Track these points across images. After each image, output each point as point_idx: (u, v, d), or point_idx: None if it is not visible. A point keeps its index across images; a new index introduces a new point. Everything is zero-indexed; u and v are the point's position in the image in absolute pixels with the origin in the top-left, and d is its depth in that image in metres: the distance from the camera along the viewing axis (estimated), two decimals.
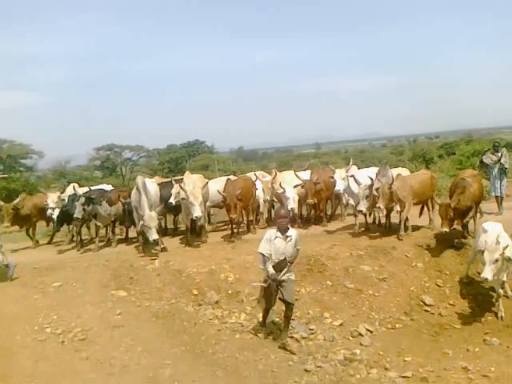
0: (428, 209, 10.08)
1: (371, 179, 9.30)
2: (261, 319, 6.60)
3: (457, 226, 8.79)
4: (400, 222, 9.30)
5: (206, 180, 10.44)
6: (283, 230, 6.04)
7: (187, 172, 10.49)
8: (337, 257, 8.44)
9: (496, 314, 6.83)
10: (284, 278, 6.03)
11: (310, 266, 8.11)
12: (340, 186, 10.21)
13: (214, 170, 24.01)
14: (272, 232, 6.08)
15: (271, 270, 5.94)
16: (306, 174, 11.09)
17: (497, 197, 11.44)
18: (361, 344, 6.38)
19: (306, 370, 5.47)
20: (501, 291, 6.79)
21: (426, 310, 7.28)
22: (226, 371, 5.29)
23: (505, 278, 6.72)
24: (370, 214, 10.33)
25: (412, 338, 6.55)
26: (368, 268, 8.14)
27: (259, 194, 10.91)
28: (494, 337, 6.32)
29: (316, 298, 7.47)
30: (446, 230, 8.31)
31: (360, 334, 6.61)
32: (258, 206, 11.40)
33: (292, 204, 10.25)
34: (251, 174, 11.97)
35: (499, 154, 11.58)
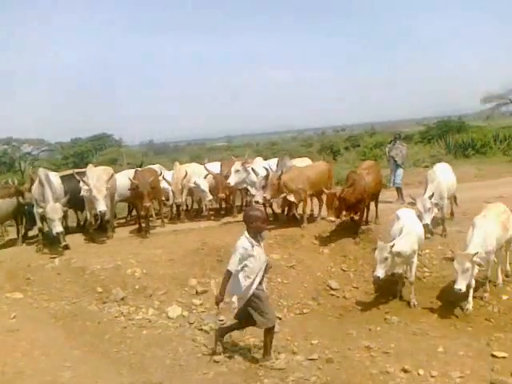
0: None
1: (267, 170, 9.31)
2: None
3: (353, 215, 8.99)
4: (303, 212, 9.52)
5: (112, 172, 10.01)
6: (259, 235, 5.13)
7: (90, 165, 10.00)
8: None
9: (396, 294, 7.20)
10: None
11: (219, 257, 8.06)
12: (231, 179, 10.04)
13: (122, 163, 23.20)
14: (244, 242, 5.01)
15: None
16: (214, 167, 11.07)
17: (397, 188, 11.92)
18: None
19: (215, 361, 5.40)
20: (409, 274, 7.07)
21: (332, 294, 7.52)
22: (131, 369, 5.09)
23: (401, 270, 7.00)
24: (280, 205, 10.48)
25: (318, 321, 6.73)
26: (277, 256, 8.25)
27: (167, 186, 10.65)
28: (393, 315, 6.66)
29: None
30: (332, 219, 8.44)
31: None
32: (168, 199, 11.17)
33: (209, 196, 10.32)
34: (156, 166, 11.66)
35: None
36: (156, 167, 11.52)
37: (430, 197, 7.99)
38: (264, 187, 9.15)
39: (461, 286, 6.12)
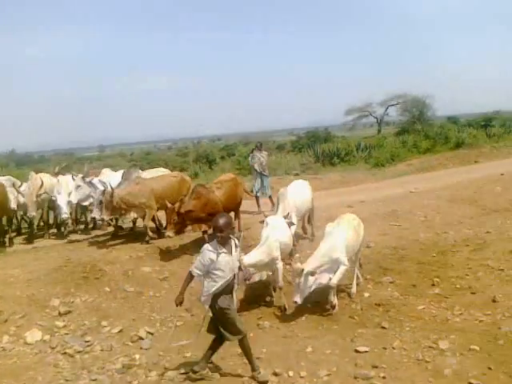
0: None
1: (104, 184, 8.87)
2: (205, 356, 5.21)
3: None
4: (145, 227, 9.14)
5: None
6: (226, 242, 4.86)
7: None
8: (116, 261, 8.08)
9: (266, 300, 7.32)
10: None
11: (85, 274, 7.58)
12: (73, 197, 9.58)
13: None
14: (209, 247, 4.85)
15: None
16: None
17: (257, 197, 11.98)
18: (141, 348, 6.12)
19: None
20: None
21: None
22: None
23: (265, 277, 7.12)
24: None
25: (192, 333, 6.54)
26: (148, 269, 7.99)
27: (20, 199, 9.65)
28: (266, 320, 6.73)
29: (93, 306, 6.98)
30: (170, 235, 8.17)
31: (140, 338, 6.34)
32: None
33: (66, 212, 9.58)
34: (4, 179, 10.24)
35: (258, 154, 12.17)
36: (4, 179, 10.18)
37: (285, 217, 7.88)
38: (101, 203, 8.62)
39: (296, 298, 6.29)
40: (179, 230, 8.30)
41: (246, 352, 5.16)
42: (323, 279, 6.49)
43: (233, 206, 9.45)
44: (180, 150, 42.36)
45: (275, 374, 5.16)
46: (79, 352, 5.91)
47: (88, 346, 6.07)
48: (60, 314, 6.67)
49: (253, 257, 6.65)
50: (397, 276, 7.72)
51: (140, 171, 10.39)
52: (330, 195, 14.27)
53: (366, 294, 7.23)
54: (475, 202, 11.90)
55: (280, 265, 7.04)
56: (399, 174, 18.85)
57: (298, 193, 8.99)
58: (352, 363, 5.34)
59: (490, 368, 4.89)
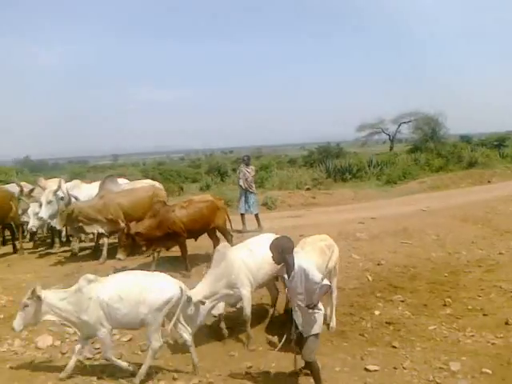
0: None
1: (62, 197, 8.50)
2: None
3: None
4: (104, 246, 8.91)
5: None
6: (287, 267, 4.70)
7: None
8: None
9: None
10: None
11: None
12: (43, 212, 8.66)
13: None
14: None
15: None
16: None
17: (242, 214, 11.09)
18: None
19: None
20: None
21: (215, 316, 7.40)
22: None
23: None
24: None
25: (202, 344, 6.55)
26: None
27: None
28: (274, 335, 6.70)
29: None
30: (121, 257, 7.63)
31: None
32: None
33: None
34: (10, 186, 10.24)
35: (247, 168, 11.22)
36: (10, 186, 10.17)
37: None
38: (37, 214, 8.41)
39: (15, 324, 5.16)
40: (130, 253, 7.78)
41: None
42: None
43: (199, 229, 8.63)
44: (192, 162, 42.57)
45: None
46: (89, 359, 5.94)
47: (98, 353, 6.09)
48: None
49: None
50: (408, 295, 7.68)
51: (120, 181, 9.82)
52: (341, 211, 14.28)
53: (377, 312, 7.18)
54: (488, 222, 11.85)
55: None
56: (411, 191, 18.79)
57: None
58: (362, 382, 5.29)
59: None
